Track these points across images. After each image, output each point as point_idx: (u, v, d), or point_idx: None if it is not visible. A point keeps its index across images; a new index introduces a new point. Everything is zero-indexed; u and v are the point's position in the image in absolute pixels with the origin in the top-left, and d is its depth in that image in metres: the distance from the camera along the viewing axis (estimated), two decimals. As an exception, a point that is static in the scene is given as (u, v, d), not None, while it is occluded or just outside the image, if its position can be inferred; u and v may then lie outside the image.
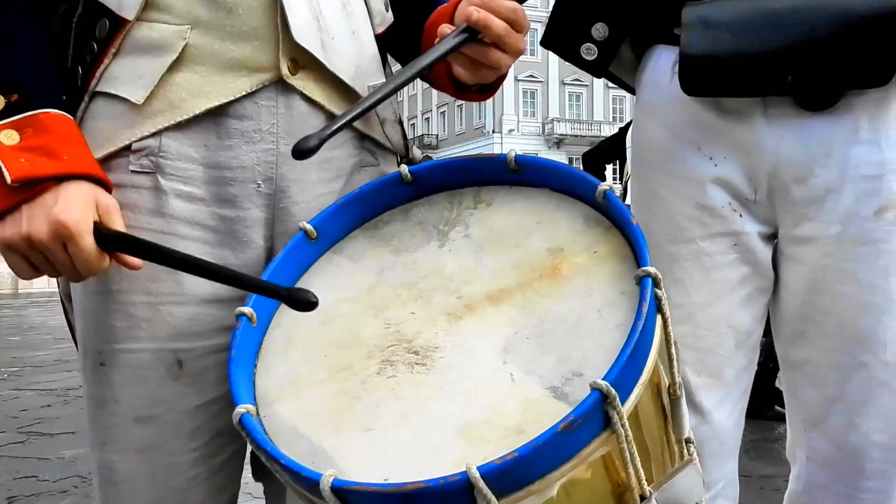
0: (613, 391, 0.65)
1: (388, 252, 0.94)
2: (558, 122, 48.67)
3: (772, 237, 1.16)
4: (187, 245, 0.93)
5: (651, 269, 0.73)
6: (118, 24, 0.92)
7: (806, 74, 1.04)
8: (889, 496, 1.13)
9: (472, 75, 0.97)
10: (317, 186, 1.00)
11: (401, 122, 1.05)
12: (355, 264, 0.94)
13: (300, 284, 0.93)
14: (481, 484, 0.61)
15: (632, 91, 1.32)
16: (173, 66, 0.91)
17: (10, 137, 0.82)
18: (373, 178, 1.02)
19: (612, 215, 0.83)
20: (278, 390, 0.82)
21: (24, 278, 0.88)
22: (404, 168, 0.96)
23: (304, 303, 0.74)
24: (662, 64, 1.18)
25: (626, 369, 0.68)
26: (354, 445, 0.73)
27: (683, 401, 0.84)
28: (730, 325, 1.16)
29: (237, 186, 0.95)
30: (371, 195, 0.97)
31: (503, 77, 1.03)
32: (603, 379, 0.66)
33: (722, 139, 1.12)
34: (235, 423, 0.76)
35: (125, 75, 0.92)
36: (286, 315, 0.90)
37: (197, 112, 0.92)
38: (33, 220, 0.80)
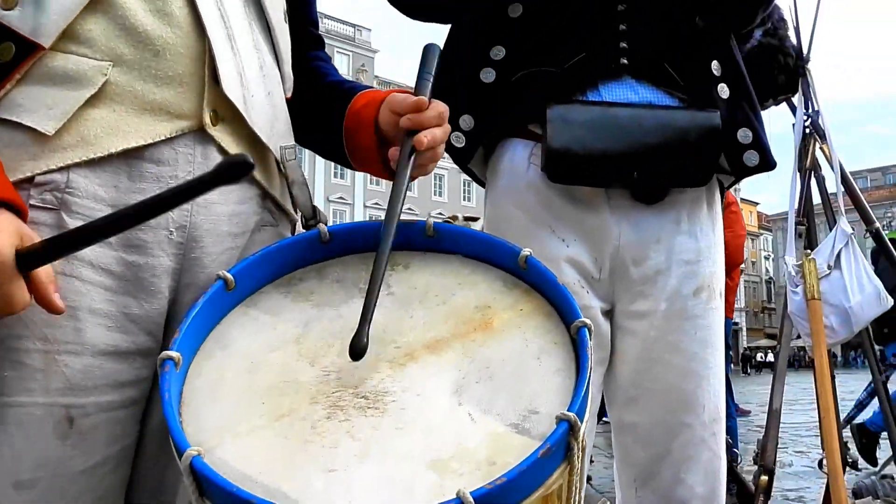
0: (580, 422, 0.73)
1: (310, 306, 0.94)
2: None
3: (609, 313, 1.34)
4: (88, 290, 0.87)
5: (587, 321, 0.84)
6: (29, 49, 0.86)
7: (642, 172, 1.26)
8: None
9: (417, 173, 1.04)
10: (226, 239, 0.98)
11: (306, 185, 1.08)
12: (275, 317, 0.93)
13: (215, 335, 0.90)
14: None
15: (479, 181, 1.47)
16: (90, 101, 0.87)
17: None
18: (273, 239, 1.03)
19: (533, 278, 0.93)
20: (214, 437, 0.77)
21: None
22: (323, 227, 0.98)
23: (241, 164, 0.70)
24: (519, 155, 1.34)
25: (581, 404, 0.76)
26: (317, 485, 0.72)
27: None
28: None
29: (148, 232, 0.91)
30: (287, 250, 0.97)
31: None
32: (568, 411, 0.73)
33: (573, 223, 1.29)
34: (185, 467, 0.71)
35: (31, 104, 0.86)
36: (206, 363, 0.86)
37: (112, 151, 0.88)
38: None
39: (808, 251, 3.28)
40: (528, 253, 0.92)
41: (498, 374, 0.83)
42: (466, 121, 1.36)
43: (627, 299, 1.31)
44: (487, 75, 1.37)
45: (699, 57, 1.30)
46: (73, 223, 0.86)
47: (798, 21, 3.12)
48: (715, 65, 1.31)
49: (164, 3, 0.91)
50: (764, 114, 1.42)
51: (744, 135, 1.30)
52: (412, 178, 1.00)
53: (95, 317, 0.88)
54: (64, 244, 0.78)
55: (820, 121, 3.33)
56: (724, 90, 1.31)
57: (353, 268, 0.99)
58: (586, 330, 0.83)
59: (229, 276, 0.91)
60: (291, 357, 0.87)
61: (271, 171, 1.06)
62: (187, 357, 0.85)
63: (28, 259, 0.76)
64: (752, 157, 1.30)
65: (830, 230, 3.34)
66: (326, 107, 1.15)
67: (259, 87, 1.00)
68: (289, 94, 1.09)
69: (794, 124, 3.45)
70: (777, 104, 3.47)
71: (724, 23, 1.34)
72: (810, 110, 3.37)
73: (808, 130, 3.42)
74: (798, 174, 3.53)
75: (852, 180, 3.46)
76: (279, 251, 0.97)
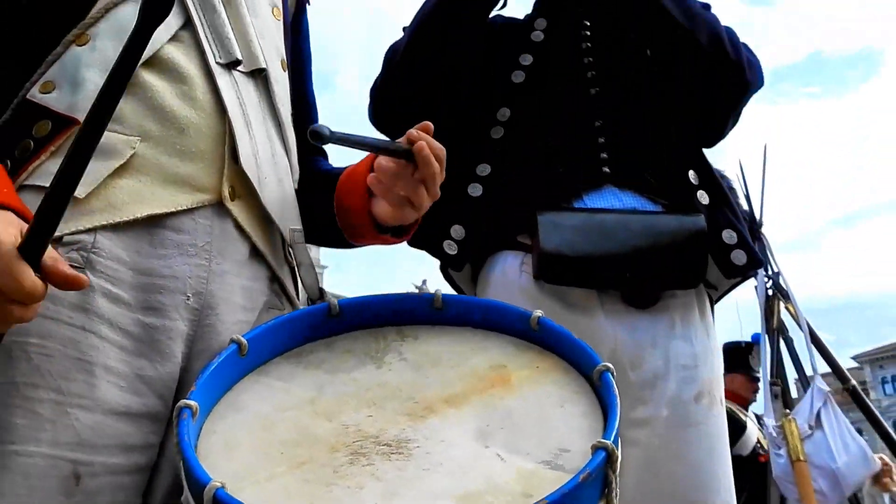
0: (617, 451, 0.71)
1: (322, 373, 0.92)
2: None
3: None
4: (105, 347, 0.86)
5: (609, 364, 0.83)
6: (64, 124, 0.91)
7: (633, 273, 1.30)
8: None
9: (395, 213, 1.06)
10: (238, 311, 0.98)
11: (314, 267, 1.09)
12: (288, 383, 0.91)
13: (227, 400, 0.87)
14: None
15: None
16: (118, 171, 0.91)
17: None
18: None
19: (546, 338, 0.93)
20: (234, 484, 0.73)
21: None
22: (333, 300, 0.99)
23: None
24: (510, 264, 1.38)
25: (615, 438, 0.74)
26: None
27: None
28: None
29: (167, 296, 0.91)
30: (298, 321, 0.97)
31: (417, 223, 1.14)
32: (604, 438, 0.72)
33: (568, 327, 1.30)
34: (208, 500, 0.66)
35: None
36: (220, 423, 0.83)
37: (136, 216, 0.91)
38: None
39: (787, 411, 3.27)
40: (540, 314, 0.94)
41: (522, 422, 0.81)
42: (458, 230, 1.41)
43: (626, 405, 1.29)
44: (475, 190, 1.45)
45: (676, 167, 1.40)
46: (97, 282, 0.87)
47: (748, 188, 3.35)
48: (692, 174, 1.41)
49: (190, 88, 0.98)
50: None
51: (728, 236, 1.36)
52: (385, 218, 1.07)
53: (109, 374, 0.86)
54: (50, 208, 0.74)
55: (781, 281, 3.47)
56: (703, 197, 1.39)
57: (363, 340, 0.98)
58: (609, 374, 0.83)
59: (243, 340, 0.90)
60: (307, 415, 0.84)
61: (280, 256, 1.08)
62: (200, 416, 0.82)
63: (26, 245, 0.74)
64: (739, 257, 1.35)
65: (805, 390, 3.36)
66: (322, 181, 1.18)
67: (271, 171, 1.05)
68: (296, 185, 1.14)
69: (755, 287, 3.58)
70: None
71: (696, 136, 1.45)
72: (770, 272, 3.52)
73: (770, 292, 3.54)
74: (767, 336, 3.61)
75: (822, 339, 3.54)
76: (290, 321, 0.96)
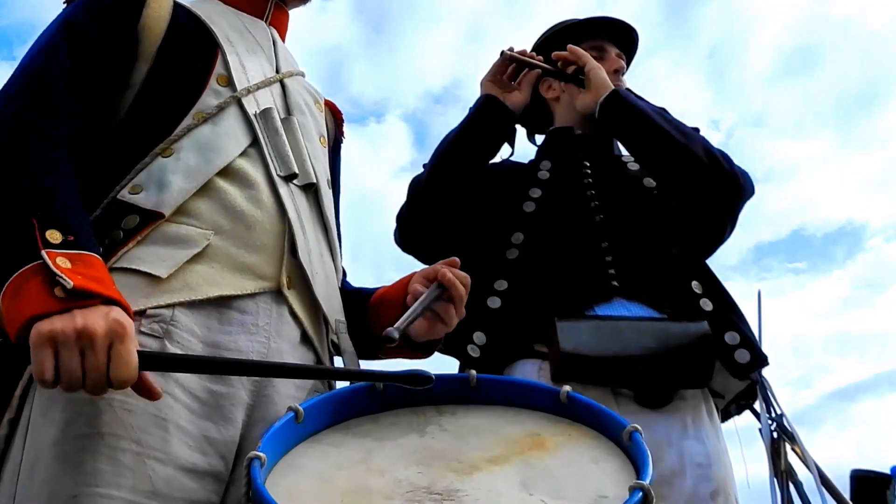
0: (652, 495, 0.78)
1: (370, 440, 1.00)
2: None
3: None
4: (178, 408, 0.96)
5: (636, 426, 0.92)
6: (151, 218, 1.05)
7: (645, 373, 1.39)
8: None
9: (428, 330, 1.19)
10: (292, 388, 1.08)
11: (356, 355, 1.19)
12: (340, 448, 0.98)
13: (286, 461, 0.94)
14: None
15: None
16: (194, 258, 1.05)
17: (66, 262, 0.89)
18: None
19: (576, 411, 1.01)
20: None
21: (43, 381, 0.84)
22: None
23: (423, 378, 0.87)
24: (528, 372, 1.48)
25: (651, 480, 0.81)
26: None
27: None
28: None
29: None
30: (345, 396, 1.06)
31: (441, 341, 1.25)
32: (640, 480, 0.79)
33: None
34: None
35: (149, 257, 1.03)
36: (281, 479, 0.89)
37: (209, 296, 1.03)
38: (88, 316, 0.84)
39: (804, 560, 3.20)
40: (569, 389, 1.03)
41: (560, 475, 0.88)
42: (479, 337, 1.52)
43: None
44: (494, 302, 1.57)
45: (680, 278, 1.53)
46: (173, 349, 0.98)
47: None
48: (695, 284, 1.54)
49: (257, 192, 1.13)
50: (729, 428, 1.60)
51: (731, 337, 1.47)
52: (419, 334, 1.18)
53: (181, 433, 0.95)
54: (176, 362, 0.90)
55: (785, 422, 3.49)
56: (706, 304, 1.51)
57: (405, 416, 1.06)
58: (638, 434, 0.91)
59: (300, 408, 0.99)
60: (361, 472, 0.91)
61: (324, 345, 1.19)
62: (263, 472, 0.89)
63: (149, 358, 0.86)
64: (742, 355, 1.45)
65: (818, 539, 3.29)
66: (351, 298, 1.31)
67: (320, 268, 1.19)
68: (339, 285, 1.26)
69: (760, 429, 3.59)
70: (739, 413, 3.67)
71: (696, 250, 1.60)
72: (773, 414, 3.55)
73: (775, 434, 3.55)
74: (775, 479, 3.59)
75: (833, 481, 3.51)
76: (340, 396, 1.05)
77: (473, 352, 1.50)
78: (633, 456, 0.89)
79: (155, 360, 0.90)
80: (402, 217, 1.80)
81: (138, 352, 0.87)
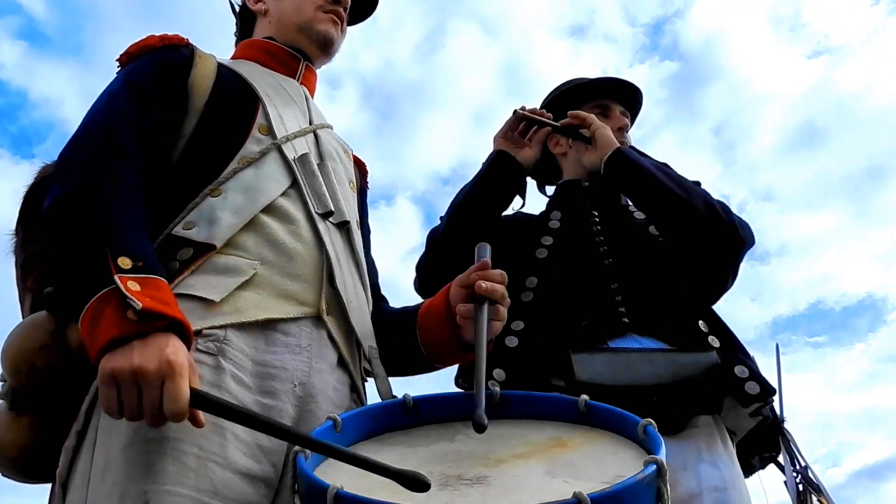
0: (666, 466, 0.86)
1: (403, 447, 1.08)
2: None
3: None
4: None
5: (650, 420, 0.99)
6: (203, 250, 1.16)
7: (660, 399, 1.46)
8: None
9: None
10: (331, 405, 1.18)
11: (387, 379, 1.27)
12: (375, 455, 1.05)
13: (326, 463, 1.02)
14: None
15: None
16: (242, 285, 1.16)
17: (136, 286, 1.00)
18: None
19: (595, 418, 1.09)
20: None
21: (111, 413, 0.95)
22: (408, 395, 1.17)
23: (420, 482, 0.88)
24: None
25: (665, 456, 0.89)
26: None
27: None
28: None
29: (279, 383, 1.13)
30: (379, 411, 1.14)
31: (493, 338, 1.32)
32: (654, 455, 0.87)
33: None
34: (331, 497, 0.81)
35: (202, 284, 1.14)
36: (324, 475, 0.97)
37: (257, 319, 1.14)
38: (144, 355, 0.94)
39: None
40: (586, 398, 1.11)
41: (581, 465, 0.96)
42: (499, 373, 1.60)
43: None
44: (511, 341, 1.66)
45: (687, 318, 1.62)
46: (227, 366, 1.09)
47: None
48: (702, 324, 1.62)
49: (297, 228, 1.25)
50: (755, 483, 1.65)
51: (740, 371, 1.54)
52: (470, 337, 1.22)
53: (237, 441, 1.05)
54: (225, 409, 0.98)
55: (810, 474, 3.46)
56: (714, 341, 1.60)
57: (434, 429, 1.14)
58: (652, 427, 0.98)
59: (338, 418, 1.07)
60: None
61: (358, 369, 1.28)
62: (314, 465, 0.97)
63: (195, 396, 0.96)
64: (752, 387, 1.52)
65: None
66: (398, 317, 1.40)
67: (354, 297, 1.29)
68: (370, 315, 1.36)
69: (785, 482, 3.56)
70: (763, 466, 3.66)
71: (700, 293, 1.69)
72: (798, 467, 3.52)
73: (801, 487, 3.52)
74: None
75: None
76: (372, 410, 1.14)
77: (494, 386, 1.57)
78: (648, 445, 0.97)
79: (203, 402, 0.97)
80: (421, 266, 1.91)
81: (192, 391, 0.96)
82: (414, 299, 1.52)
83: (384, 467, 0.90)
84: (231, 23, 1.71)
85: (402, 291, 1.96)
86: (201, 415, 0.98)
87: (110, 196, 1.09)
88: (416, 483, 0.87)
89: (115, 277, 0.99)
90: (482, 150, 2.02)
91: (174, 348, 0.96)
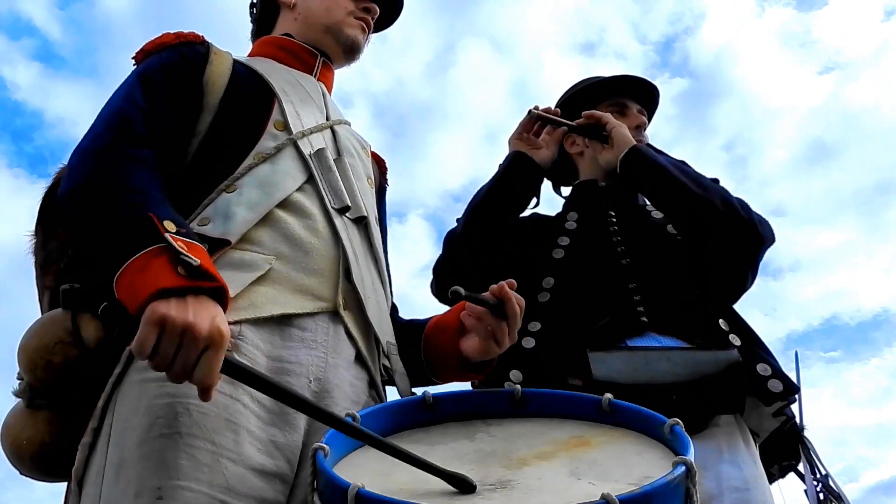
0: (694, 468, 0.84)
1: (423, 445, 1.06)
2: None
3: None
4: (248, 414, 1.04)
5: (677, 420, 0.97)
6: (218, 246, 1.15)
7: (679, 398, 1.44)
8: None
9: (481, 349, 1.25)
10: (348, 401, 1.16)
11: (406, 375, 1.25)
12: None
13: (345, 461, 1.00)
14: None
15: None
16: (258, 280, 1.14)
17: (184, 247, 0.99)
18: None
19: (617, 416, 1.07)
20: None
21: (141, 354, 0.92)
22: (429, 392, 1.15)
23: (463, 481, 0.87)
24: None
25: (693, 457, 0.86)
26: None
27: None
28: None
29: (294, 378, 1.10)
30: (398, 408, 1.12)
31: (493, 365, 1.31)
32: (683, 455, 0.84)
33: None
34: (352, 497, 0.79)
35: None
36: (342, 473, 0.95)
37: (272, 314, 1.12)
38: (199, 315, 0.92)
39: None
40: (611, 396, 1.08)
41: (606, 465, 0.93)
42: (516, 374, 1.58)
43: None
44: (528, 342, 1.63)
45: (707, 317, 1.59)
46: (241, 362, 1.04)
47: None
48: (722, 322, 1.59)
49: (313, 223, 1.23)
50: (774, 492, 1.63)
51: (763, 369, 1.51)
52: (473, 353, 1.24)
53: (251, 437, 1.03)
54: (252, 377, 0.96)
55: (831, 482, 3.42)
56: (735, 339, 1.57)
57: (454, 427, 1.12)
58: (679, 426, 0.96)
59: (357, 415, 1.05)
60: (417, 472, 0.97)
61: (376, 365, 1.26)
62: (334, 460, 0.95)
63: (232, 366, 0.94)
64: (775, 385, 1.49)
65: None
66: (405, 327, 1.39)
67: (372, 292, 1.27)
68: (389, 311, 1.34)
69: (805, 490, 3.51)
70: (783, 475, 3.61)
71: (719, 293, 1.66)
72: (818, 475, 3.47)
73: (821, 496, 3.47)
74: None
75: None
76: (391, 406, 1.12)
77: (512, 385, 1.55)
78: (675, 445, 0.94)
79: (233, 367, 0.95)
80: (438, 268, 1.89)
81: (225, 360, 0.94)
82: (426, 315, 1.51)
83: (434, 467, 0.89)
84: (245, 38, 1.70)
85: (415, 308, 1.97)
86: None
87: (138, 175, 1.09)
88: (461, 484, 0.87)
89: (167, 236, 0.98)
90: (493, 167, 2.01)
91: (223, 318, 0.96)
